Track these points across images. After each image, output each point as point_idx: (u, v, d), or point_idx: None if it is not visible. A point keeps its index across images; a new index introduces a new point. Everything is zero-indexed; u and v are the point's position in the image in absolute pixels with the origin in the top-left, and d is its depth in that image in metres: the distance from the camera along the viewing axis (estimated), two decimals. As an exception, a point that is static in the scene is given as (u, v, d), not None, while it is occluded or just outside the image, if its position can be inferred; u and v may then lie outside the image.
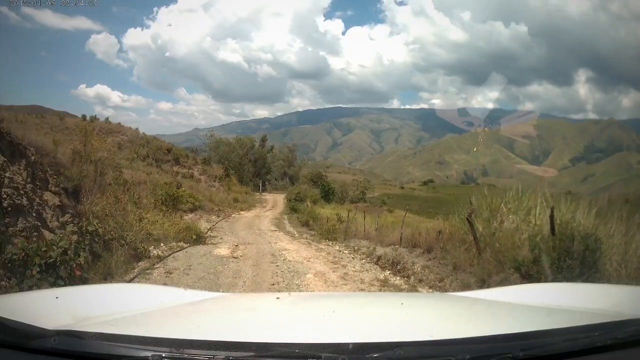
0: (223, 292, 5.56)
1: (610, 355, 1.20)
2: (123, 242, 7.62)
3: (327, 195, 34.13)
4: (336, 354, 1.08)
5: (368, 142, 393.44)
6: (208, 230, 14.01)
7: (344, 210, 22.32)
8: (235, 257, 9.16)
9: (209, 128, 48.48)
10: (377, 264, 8.79)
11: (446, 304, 2.05)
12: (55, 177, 6.89)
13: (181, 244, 10.31)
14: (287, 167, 54.16)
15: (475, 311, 1.81)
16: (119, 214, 8.56)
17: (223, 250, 10.04)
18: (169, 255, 8.79)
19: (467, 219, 6.39)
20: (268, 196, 37.78)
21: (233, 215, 22.39)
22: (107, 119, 39.45)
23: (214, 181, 33.73)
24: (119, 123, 38.64)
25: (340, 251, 10.93)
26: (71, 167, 7.74)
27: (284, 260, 9.05)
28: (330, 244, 12.62)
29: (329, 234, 14.72)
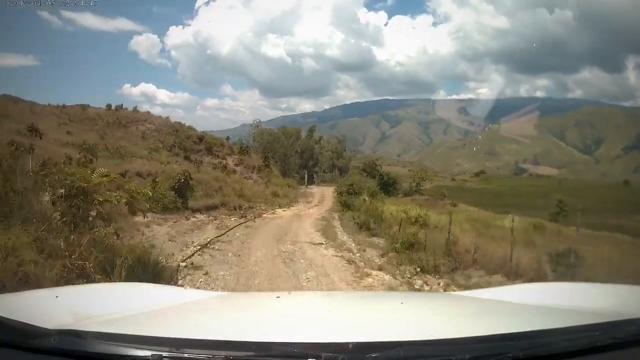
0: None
1: (610, 355, 1.20)
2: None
3: (387, 187, 29.01)
4: (336, 353, 1.07)
5: (416, 134, 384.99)
6: (186, 258, 8.47)
7: (410, 206, 18.33)
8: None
9: (256, 123, 45.08)
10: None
11: (446, 304, 2.05)
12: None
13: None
14: (335, 158, 50.19)
15: (475, 311, 1.79)
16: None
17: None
18: None
19: None
20: (315, 189, 33.51)
21: (265, 214, 17.19)
22: (135, 107, 37.10)
23: (252, 172, 30.48)
24: (148, 112, 37.04)
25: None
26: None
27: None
28: (429, 279, 7.23)
29: (412, 252, 9.14)
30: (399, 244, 10.02)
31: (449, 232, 9.20)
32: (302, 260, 8.73)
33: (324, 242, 11.08)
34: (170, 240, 10.22)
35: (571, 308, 1.66)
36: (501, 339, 1.19)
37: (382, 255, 9.57)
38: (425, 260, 8.24)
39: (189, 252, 8.94)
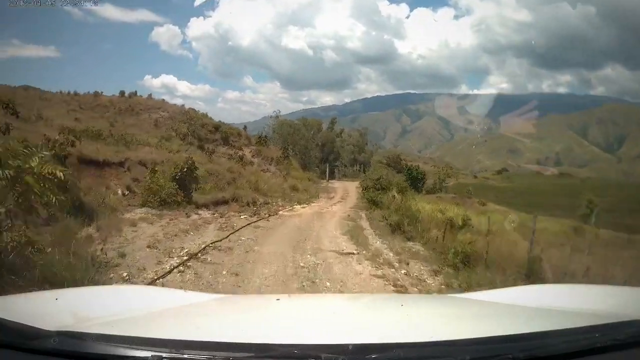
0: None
1: (610, 357, 1.18)
2: None
3: (416, 182, 26.59)
4: (336, 354, 1.05)
5: (437, 129, 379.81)
6: (158, 277, 5.98)
7: (445, 204, 16.81)
8: None
9: (276, 113, 42.81)
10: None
11: (446, 305, 2.02)
12: None
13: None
14: (357, 152, 47.69)
15: (475, 313, 1.77)
16: None
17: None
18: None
19: None
20: (336, 184, 31.13)
21: (281, 211, 15.03)
22: (149, 95, 35.42)
23: (270, 164, 28.18)
24: (163, 99, 34.95)
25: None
26: None
27: None
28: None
29: (471, 267, 6.92)
30: (451, 254, 7.82)
31: (531, 244, 6.82)
32: (328, 284, 6.35)
33: (355, 251, 8.69)
34: (149, 247, 7.77)
35: (570, 310, 1.64)
36: (501, 340, 1.17)
37: (435, 273, 7.35)
38: (501, 284, 5.95)
39: (168, 267, 6.53)
